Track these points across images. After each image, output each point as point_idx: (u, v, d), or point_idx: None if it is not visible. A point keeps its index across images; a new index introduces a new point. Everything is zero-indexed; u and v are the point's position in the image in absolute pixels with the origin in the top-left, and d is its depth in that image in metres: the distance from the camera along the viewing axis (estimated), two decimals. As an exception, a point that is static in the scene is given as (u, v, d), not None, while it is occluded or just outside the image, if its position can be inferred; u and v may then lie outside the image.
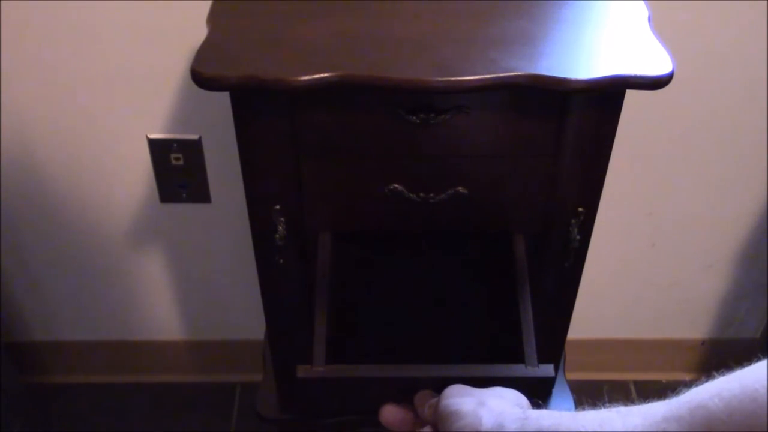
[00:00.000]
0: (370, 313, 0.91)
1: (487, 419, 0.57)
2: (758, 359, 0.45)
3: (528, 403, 0.62)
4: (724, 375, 0.46)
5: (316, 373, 0.74)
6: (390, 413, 0.70)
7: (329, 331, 0.78)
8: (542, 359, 0.77)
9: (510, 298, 0.81)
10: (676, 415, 0.47)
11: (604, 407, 0.52)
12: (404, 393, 0.70)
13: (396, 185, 0.77)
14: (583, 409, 0.53)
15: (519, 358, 0.76)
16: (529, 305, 0.80)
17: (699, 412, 0.45)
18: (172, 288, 1.37)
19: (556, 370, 0.99)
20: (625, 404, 0.51)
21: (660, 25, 0.74)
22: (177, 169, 1.19)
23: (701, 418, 0.45)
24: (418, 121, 0.71)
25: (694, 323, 1.45)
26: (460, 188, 0.77)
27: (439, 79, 0.65)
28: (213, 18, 0.73)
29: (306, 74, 0.65)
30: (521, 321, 0.78)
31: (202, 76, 0.65)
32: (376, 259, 0.91)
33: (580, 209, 0.78)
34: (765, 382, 0.43)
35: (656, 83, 0.66)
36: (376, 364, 0.74)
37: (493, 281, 0.87)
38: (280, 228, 0.79)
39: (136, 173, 1.20)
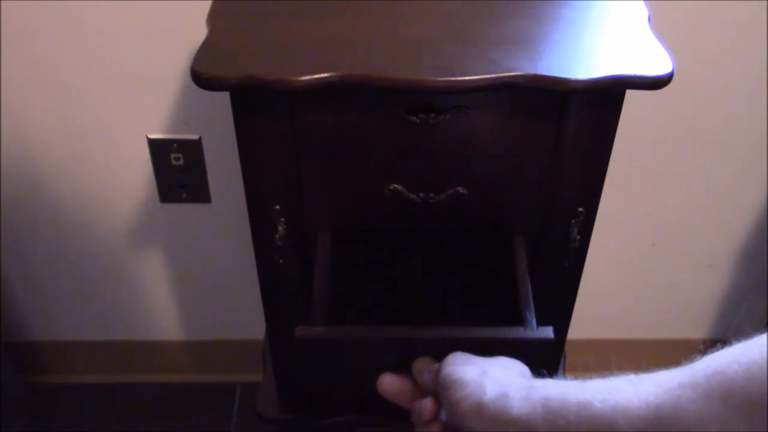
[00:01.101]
0: (368, 311, 0.91)
1: (490, 388, 0.55)
2: None
3: (530, 375, 0.61)
4: (740, 342, 0.45)
5: (314, 333, 0.73)
6: (388, 383, 0.68)
7: (327, 308, 0.77)
8: (542, 359, 0.76)
9: (510, 293, 0.81)
10: (691, 381, 0.45)
11: (613, 376, 0.50)
12: (403, 362, 0.69)
13: (396, 185, 0.77)
14: (591, 378, 0.51)
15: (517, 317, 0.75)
16: (527, 277, 0.79)
17: (716, 379, 0.44)
18: (172, 288, 1.37)
19: (556, 369, 0.99)
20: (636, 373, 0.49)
21: (660, 25, 0.74)
22: (177, 169, 1.19)
23: (718, 384, 0.43)
24: (418, 121, 0.71)
25: (694, 323, 1.45)
26: (460, 188, 0.77)
27: (439, 79, 0.65)
28: (213, 18, 0.73)
29: (306, 74, 0.65)
30: (519, 288, 0.77)
31: (202, 76, 0.65)
32: (375, 259, 0.91)
33: (580, 209, 0.79)
34: None
35: (656, 83, 0.66)
36: (374, 326, 0.73)
37: (493, 279, 0.87)
38: (280, 228, 0.79)
39: (136, 173, 1.20)
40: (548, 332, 0.72)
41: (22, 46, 1.05)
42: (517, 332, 0.73)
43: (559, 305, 0.90)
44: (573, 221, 0.79)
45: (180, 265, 1.33)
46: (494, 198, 0.79)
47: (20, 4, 1.01)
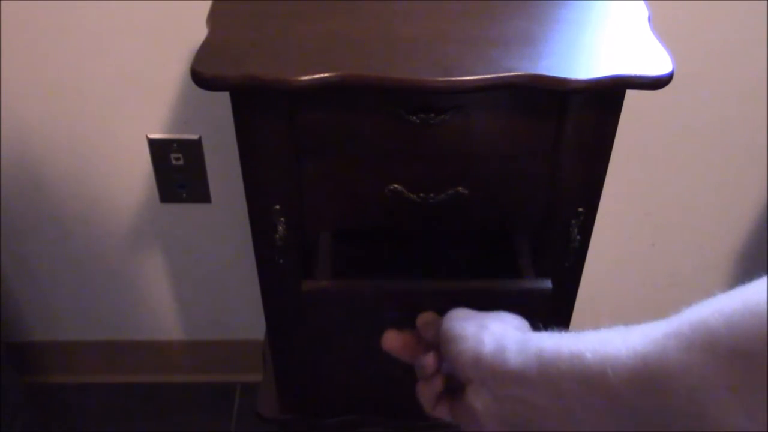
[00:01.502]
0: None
1: (488, 342, 0.58)
2: None
3: (528, 327, 0.63)
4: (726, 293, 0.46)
5: (320, 287, 0.75)
6: (393, 338, 0.70)
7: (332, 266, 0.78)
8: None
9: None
10: (676, 331, 0.46)
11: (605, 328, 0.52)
12: (406, 317, 0.70)
13: (396, 185, 0.77)
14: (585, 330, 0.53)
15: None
16: (525, 237, 0.80)
17: (700, 328, 0.45)
18: (172, 288, 1.37)
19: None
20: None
21: (660, 25, 0.74)
22: (177, 169, 1.19)
23: (702, 333, 0.44)
24: (418, 121, 0.71)
25: (694, 323, 1.45)
26: (460, 188, 0.77)
27: (439, 79, 0.65)
28: (213, 18, 0.73)
29: (306, 74, 0.65)
30: (516, 242, 0.79)
31: (202, 76, 0.65)
32: (376, 260, 0.91)
33: (580, 209, 0.79)
34: (766, 297, 0.42)
35: (656, 83, 0.66)
36: (378, 279, 0.76)
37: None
38: (280, 228, 0.79)
39: (136, 173, 1.20)
40: (546, 283, 0.74)
41: (22, 46, 1.05)
42: (516, 283, 0.75)
43: (558, 306, 0.90)
44: (573, 221, 0.79)
45: (180, 265, 1.33)
46: (494, 198, 0.79)
47: (20, 4, 1.01)
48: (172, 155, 1.17)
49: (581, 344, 0.51)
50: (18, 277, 1.34)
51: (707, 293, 1.46)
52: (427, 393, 0.65)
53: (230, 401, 1.49)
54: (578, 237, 0.80)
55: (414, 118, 0.70)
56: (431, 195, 0.77)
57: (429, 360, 0.64)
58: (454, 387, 0.62)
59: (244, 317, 1.39)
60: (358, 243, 0.86)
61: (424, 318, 0.69)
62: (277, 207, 0.78)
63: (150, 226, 1.27)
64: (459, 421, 0.61)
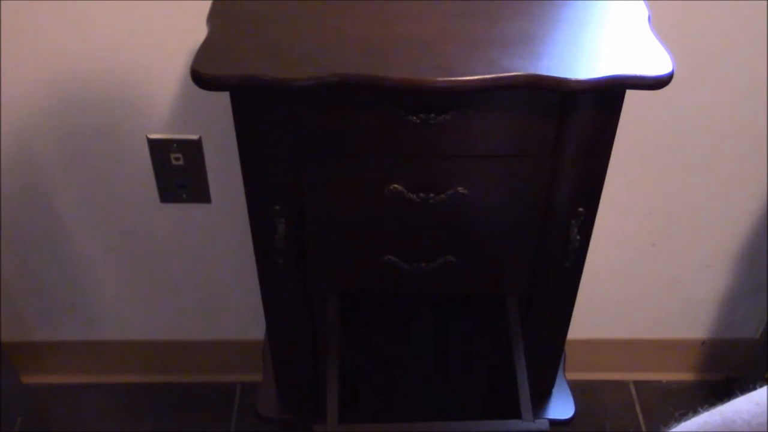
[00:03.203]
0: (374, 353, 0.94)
1: None
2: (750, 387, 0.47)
3: None
4: (707, 410, 0.48)
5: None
6: None
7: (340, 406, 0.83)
8: (544, 361, 0.78)
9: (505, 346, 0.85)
10: None
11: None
12: None
13: (396, 185, 0.77)
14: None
15: (515, 409, 0.81)
16: (523, 362, 0.84)
17: None
18: (172, 288, 1.37)
19: (556, 369, 0.99)
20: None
21: (660, 25, 0.74)
22: (177, 169, 1.18)
23: None
24: (418, 121, 0.71)
25: (694, 323, 1.45)
26: (460, 188, 0.77)
27: (440, 79, 0.65)
28: (213, 18, 0.73)
29: (306, 74, 0.65)
30: (517, 379, 0.82)
31: (202, 76, 0.65)
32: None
33: (580, 209, 0.79)
34: (744, 414, 0.45)
35: (656, 83, 0.66)
36: (384, 423, 0.80)
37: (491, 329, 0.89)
38: (280, 228, 0.79)
39: (136, 173, 1.20)
40: (544, 424, 0.79)
41: (22, 46, 1.05)
42: (515, 425, 0.79)
43: (559, 306, 0.90)
44: (573, 221, 0.79)
45: (180, 265, 1.33)
46: (494, 198, 0.79)
47: (21, 3, 1.01)
48: (172, 155, 1.17)
49: None
50: (18, 277, 1.34)
51: (707, 293, 1.46)
52: None
53: (230, 401, 1.49)
54: (578, 237, 0.80)
55: (414, 118, 0.70)
56: (431, 195, 0.77)
57: None
58: None
59: (244, 317, 1.39)
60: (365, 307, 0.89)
61: None
62: (277, 207, 0.78)
63: (150, 226, 1.27)
64: None
